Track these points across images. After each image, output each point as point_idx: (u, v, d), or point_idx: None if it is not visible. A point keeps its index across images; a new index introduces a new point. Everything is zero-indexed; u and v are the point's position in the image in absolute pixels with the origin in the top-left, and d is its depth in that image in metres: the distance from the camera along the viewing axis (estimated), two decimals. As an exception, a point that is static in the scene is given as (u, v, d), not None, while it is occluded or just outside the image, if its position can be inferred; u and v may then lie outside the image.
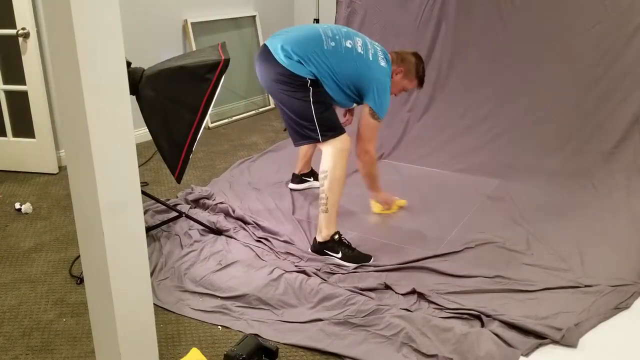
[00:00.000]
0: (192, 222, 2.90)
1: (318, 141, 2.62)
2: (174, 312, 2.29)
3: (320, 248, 2.63)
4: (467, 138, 3.81)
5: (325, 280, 2.43)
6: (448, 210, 3.11)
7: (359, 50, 2.62)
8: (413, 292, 2.33)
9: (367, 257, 2.61)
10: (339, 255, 2.59)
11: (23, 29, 3.41)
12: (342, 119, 2.90)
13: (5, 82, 3.61)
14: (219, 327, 2.21)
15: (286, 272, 2.46)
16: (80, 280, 2.49)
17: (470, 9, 3.92)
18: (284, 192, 3.35)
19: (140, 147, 4.00)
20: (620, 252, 2.63)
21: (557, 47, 3.67)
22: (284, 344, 2.10)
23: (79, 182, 1.62)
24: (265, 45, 2.61)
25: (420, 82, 2.89)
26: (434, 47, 4.08)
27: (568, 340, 2.04)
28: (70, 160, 1.62)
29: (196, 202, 3.16)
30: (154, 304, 2.16)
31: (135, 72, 2.40)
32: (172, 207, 2.95)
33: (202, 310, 2.29)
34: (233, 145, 4.27)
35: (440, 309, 2.23)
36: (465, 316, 2.19)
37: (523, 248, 2.69)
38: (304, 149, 3.27)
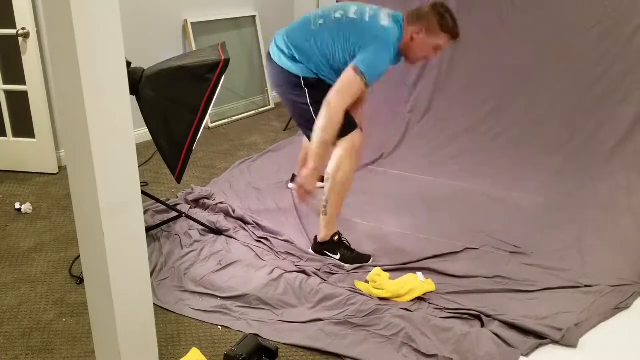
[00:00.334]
0: (192, 222, 2.90)
1: None
2: (174, 312, 2.29)
3: (319, 248, 2.63)
4: (468, 138, 3.81)
5: (325, 280, 2.43)
6: (448, 210, 3.11)
7: (352, 16, 2.41)
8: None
9: (367, 258, 2.60)
10: (338, 256, 2.59)
11: (23, 29, 3.41)
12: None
13: (5, 82, 3.61)
14: (219, 327, 2.21)
15: (286, 272, 2.46)
16: (80, 280, 2.49)
17: (470, 9, 3.92)
18: (284, 192, 3.34)
19: (140, 147, 4.00)
20: (620, 252, 2.63)
21: (558, 47, 3.67)
22: (284, 344, 2.10)
23: (79, 182, 1.62)
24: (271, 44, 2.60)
25: (453, 35, 2.43)
26: (434, 47, 4.07)
27: (568, 341, 2.04)
28: (70, 160, 1.62)
29: (196, 202, 3.16)
30: (154, 304, 2.16)
31: (135, 72, 2.40)
32: (172, 207, 2.95)
33: (202, 310, 2.29)
34: (233, 145, 4.27)
35: (440, 309, 2.23)
36: (465, 316, 2.19)
37: (523, 248, 2.69)
38: (304, 147, 3.16)
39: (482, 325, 2.14)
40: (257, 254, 2.65)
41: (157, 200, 2.94)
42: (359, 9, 2.46)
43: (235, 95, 4.99)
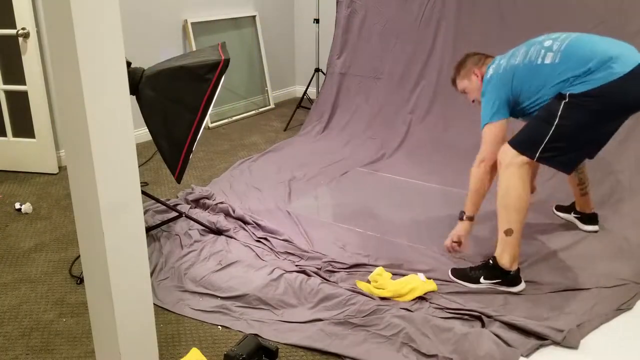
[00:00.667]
0: (192, 222, 2.90)
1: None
2: (174, 312, 2.29)
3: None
4: (469, 138, 3.80)
5: (325, 280, 2.42)
6: (449, 209, 3.11)
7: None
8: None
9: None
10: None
11: (23, 29, 3.41)
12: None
13: (5, 82, 3.61)
14: (219, 327, 2.21)
15: (286, 272, 2.46)
16: (80, 280, 2.49)
17: (471, 8, 3.92)
18: (284, 192, 3.34)
19: (140, 147, 4.00)
20: (622, 253, 2.62)
21: (558, 47, 3.67)
22: (284, 344, 2.10)
23: (79, 182, 1.62)
24: None
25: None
26: (435, 47, 4.08)
27: (569, 342, 2.03)
28: (70, 160, 1.62)
29: (196, 202, 3.16)
30: (154, 304, 2.16)
31: (135, 72, 2.40)
32: (172, 207, 2.95)
33: (202, 310, 2.29)
34: (233, 145, 4.26)
35: (441, 309, 2.23)
36: (466, 317, 2.18)
37: (524, 248, 2.68)
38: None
39: (483, 325, 2.14)
40: (257, 254, 2.65)
41: (157, 200, 2.94)
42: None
43: (235, 95, 4.99)
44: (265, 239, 2.77)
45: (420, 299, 2.30)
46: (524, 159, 2.27)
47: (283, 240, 2.75)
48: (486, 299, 2.30)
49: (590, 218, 2.83)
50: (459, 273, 2.46)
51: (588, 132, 2.24)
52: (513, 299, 2.30)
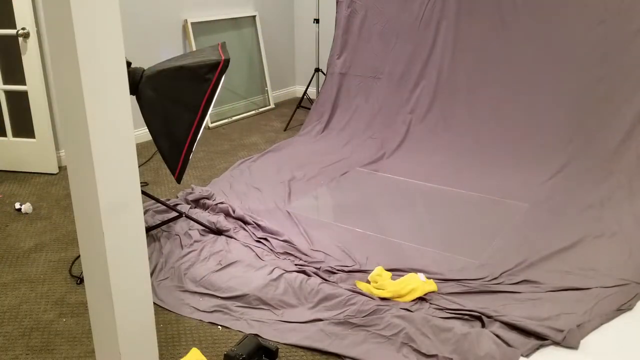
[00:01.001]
0: (192, 222, 2.89)
1: None
2: (174, 312, 2.29)
3: None
4: (468, 139, 3.81)
5: (325, 280, 2.42)
6: (449, 210, 3.11)
7: None
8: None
9: None
10: None
11: (23, 29, 3.41)
12: None
13: (5, 82, 3.61)
14: (219, 327, 2.21)
15: (286, 272, 2.46)
16: (80, 280, 2.49)
17: (471, 9, 3.92)
18: (284, 192, 3.34)
19: (140, 147, 4.00)
20: (622, 253, 2.62)
21: (559, 47, 3.67)
22: (284, 344, 2.10)
23: (79, 182, 1.62)
24: None
25: None
26: (435, 47, 4.08)
27: (569, 342, 2.03)
28: (70, 160, 1.62)
29: (196, 202, 3.16)
30: (154, 303, 2.16)
31: (135, 72, 2.40)
32: (172, 207, 2.95)
33: (202, 310, 2.29)
34: (233, 145, 4.26)
35: (441, 309, 2.23)
36: (466, 317, 2.18)
37: (523, 249, 2.68)
38: None
39: (483, 325, 2.14)
40: (257, 254, 2.64)
41: (157, 200, 2.94)
42: None
43: (235, 95, 4.99)
44: (265, 239, 2.77)
45: (420, 299, 2.30)
46: None
47: (283, 240, 2.75)
48: (486, 299, 2.30)
49: None
50: None
51: None
52: (513, 299, 2.30)
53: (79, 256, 2.59)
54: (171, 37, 4.41)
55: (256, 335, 2.06)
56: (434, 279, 2.42)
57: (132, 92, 2.24)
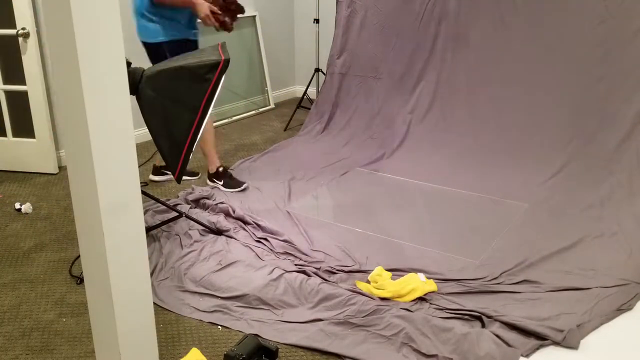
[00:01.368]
0: (192, 222, 2.89)
1: None
2: (174, 312, 2.29)
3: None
4: (468, 139, 3.81)
5: (325, 280, 2.42)
6: (449, 210, 3.11)
7: None
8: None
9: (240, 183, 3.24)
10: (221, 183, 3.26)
11: (23, 29, 3.41)
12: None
13: (5, 82, 3.61)
14: (219, 327, 2.21)
15: (286, 272, 2.46)
16: (80, 280, 2.49)
17: (471, 9, 3.92)
18: (284, 192, 3.34)
19: (140, 147, 4.00)
20: (623, 253, 2.62)
21: (559, 47, 3.67)
22: (284, 344, 2.10)
23: (79, 182, 1.62)
24: None
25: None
26: (435, 47, 4.08)
27: (569, 342, 2.03)
28: (70, 160, 1.62)
29: (196, 202, 3.16)
30: (154, 303, 2.16)
31: (135, 72, 2.40)
32: (172, 207, 2.95)
33: (202, 310, 2.29)
34: (233, 145, 4.26)
35: (441, 310, 2.23)
36: (466, 317, 2.18)
37: (523, 249, 2.68)
38: None
39: (483, 325, 2.14)
40: (257, 254, 2.65)
41: (157, 200, 2.94)
42: None
43: (235, 95, 4.99)
44: (265, 239, 2.77)
45: (420, 299, 2.30)
46: None
47: (283, 240, 2.75)
48: (486, 299, 2.30)
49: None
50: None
51: None
52: (513, 299, 2.30)
53: (79, 256, 2.59)
54: (171, 37, 4.40)
55: (256, 335, 2.06)
56: (434, 279, 2.42)
57: (132, 92, 2.24)
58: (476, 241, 2.78)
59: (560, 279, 2.42)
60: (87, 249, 1.71)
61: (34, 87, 3.52)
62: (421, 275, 2.39)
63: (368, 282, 2.41)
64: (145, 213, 3.00)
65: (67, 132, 1.58)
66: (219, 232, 2.84)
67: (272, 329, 2.17)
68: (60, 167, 3.74)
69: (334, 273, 2.49)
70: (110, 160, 1.57)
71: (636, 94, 3.44)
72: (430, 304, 2.27)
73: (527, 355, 1.99)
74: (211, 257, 2.62)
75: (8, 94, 3.62)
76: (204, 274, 2.48)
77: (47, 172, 3.69)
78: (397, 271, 2.50)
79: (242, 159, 3.91)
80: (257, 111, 5.12)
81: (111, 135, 1.56)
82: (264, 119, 4.96)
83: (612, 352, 2.03)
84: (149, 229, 2.78)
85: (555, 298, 2.31)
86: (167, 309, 2.30)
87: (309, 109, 4.68)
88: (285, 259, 2.61)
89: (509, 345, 2.02)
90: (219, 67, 2.33)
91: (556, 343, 2.04)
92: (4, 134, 3.68)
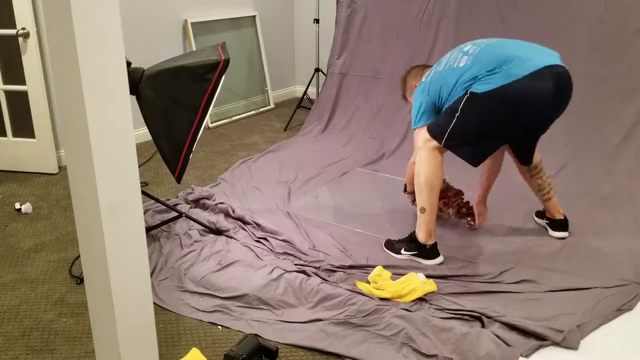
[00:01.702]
0: (192, 222, 2.89)
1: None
2: (174, 312, 2.29)
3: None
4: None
5: (325, 280, 2.42)
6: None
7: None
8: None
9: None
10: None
11: (23, 29, 3.41)
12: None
13: (5, 82, 3.61)
14: (219, 327, 2.21)
15: (286, 271, 2.46)
16: (80, 280, 2.49)
17: (471, 8, 3.92)
18: (284, 192, 3.34)
19: (140, 147, 4.00)
20: (623, 253, 2.62)
21: (559, 47, 3.65)
22: (284, 344, 2.10)
23: (79, 182, 1.62)
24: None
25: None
26: (435, 47, 4.08)
27: (569, 342, 2.03)
28: (70, 160, 1.62)
29: (196, 202, 3.16)
30: (154, 303, 2.16)
31: (135, 72, 2.40)
32: (172, 207, 2.95)
33: (202, 310, 2.29)
34: (233, 145, 4.26)
35: (441, 310, 2.23)
36: (466, 317, 2.18)
37: (523, 249, 2.68)
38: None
39: (483, 325, 2.14)
40: (256, 254, 2.65)
41: (157, 200, 2.94)
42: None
43: (235, 95, 4.99)
44: (265, 239, 2.77)
45: (420, 299, 2.30)
46: (434, 143, 2.51)
47: (283, 240, 2.75)
48: (486, 299, 2.30)
49: (559, 224, 2.80)
50: (388, 244, 2.72)
51: (486, 128, 2.43)
52: (513, 300, 2.30)
53: (79, 256, 2.59)
54: (171, 37, 4.41)
55: (256, 335, 2.06)
56: (433, 277, 2.42)
57: (132, 92, 2.24)
58: (476, 241, 2.78)
59: (560, 279, 2.42)
60: (87, 249, 1.71)
61: (34, 87, 3.52)
62: (421, 275, 2.39)
63: (368, 282, 2.41)
64: (145, 213, 3.00)
65: (67, 132, 1.58)
66: (218, 232, 2.84)
67: (272, 329, 2.17)
68: (60, 167, 3.74)
69: (334, 271, 2.49)
70: (110, 160, 1.57)
71: (636, 94, 3.44)
72: (430, 304, 2.27)
73: (526, 356, 1.99)
74: (211, 257, 2.62)
75: (8, 94, 3.62)
76: (204, 274, 2.48)
77: (47, 172, 3.69)
78: (396, 269, 2.50)
79: (242, 159, 3.91)
80: (257, 111, 5.13)
81: (111, 135, 1.56)
82: (264, 119, 4.96)
83: (612, 352, 2.03)
84: (148, 229, 2.78)
85: (555, 298, 2.31)
86: (167, 309, 2.30)
87: (309, 109, 4.68)
88: (285, 259, 2.61)
89: (509, 345, 2.02)
90: (219, 67, 2.33)
91: (556, 343, 2.04)
92: (4, 134, 3.68)
